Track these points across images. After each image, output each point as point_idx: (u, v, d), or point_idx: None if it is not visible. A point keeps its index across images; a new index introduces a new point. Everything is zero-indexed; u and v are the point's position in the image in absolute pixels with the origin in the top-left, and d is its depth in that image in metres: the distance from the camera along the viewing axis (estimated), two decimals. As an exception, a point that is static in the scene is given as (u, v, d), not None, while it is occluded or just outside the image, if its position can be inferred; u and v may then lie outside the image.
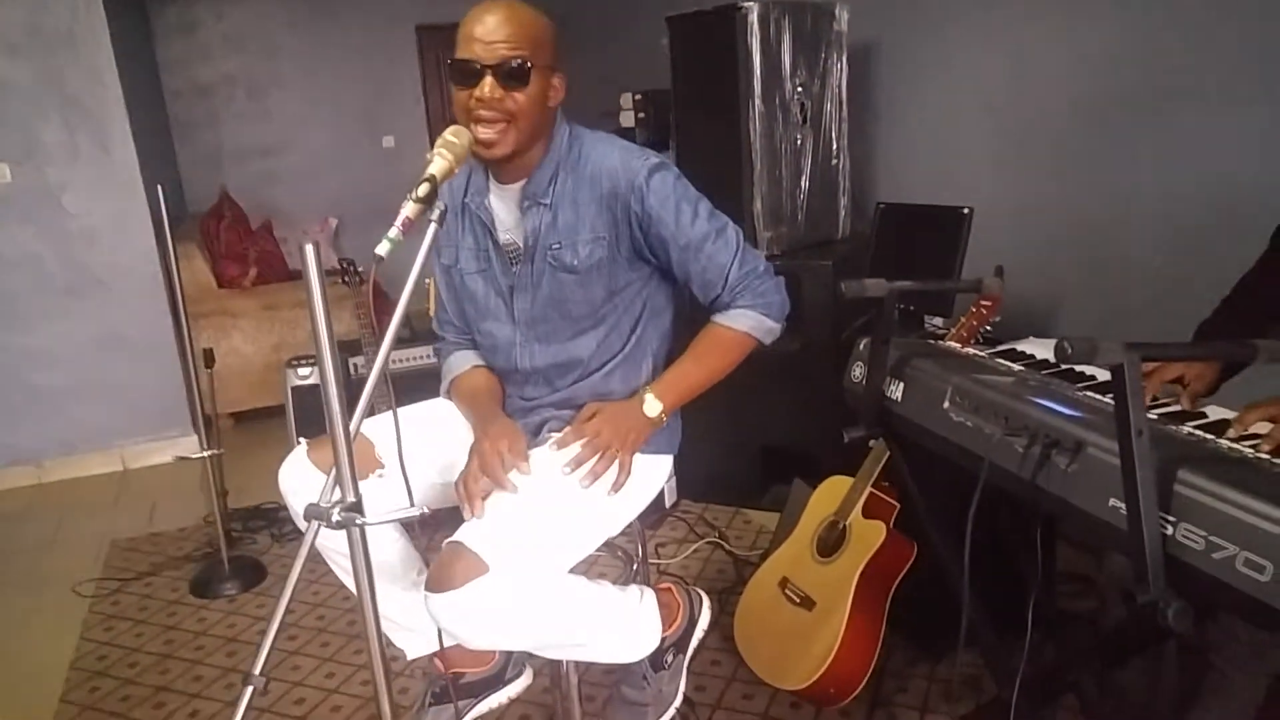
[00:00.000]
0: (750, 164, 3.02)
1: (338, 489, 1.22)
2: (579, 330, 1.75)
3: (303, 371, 3.72)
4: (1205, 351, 1.44)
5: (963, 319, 2.10)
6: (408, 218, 1.36)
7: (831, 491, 2.18)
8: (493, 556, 1.44)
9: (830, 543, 2.09)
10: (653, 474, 1.79)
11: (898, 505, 2.06)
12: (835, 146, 3.25)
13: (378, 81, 6.89)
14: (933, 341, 1.85)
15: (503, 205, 1.75)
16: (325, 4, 6.71)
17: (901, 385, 1.65)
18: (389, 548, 1.80)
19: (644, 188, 1.64)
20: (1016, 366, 1.62)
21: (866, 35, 3.30)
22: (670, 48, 3.25)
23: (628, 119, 4.05)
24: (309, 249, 1.18)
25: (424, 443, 1.76)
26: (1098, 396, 1.38)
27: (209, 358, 3.00)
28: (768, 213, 3.07)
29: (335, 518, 1.18)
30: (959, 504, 1.74)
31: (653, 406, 1.70)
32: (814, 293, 3.00)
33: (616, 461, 1.66)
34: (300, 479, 1.70)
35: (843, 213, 3.33)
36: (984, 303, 2.08)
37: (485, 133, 1.58)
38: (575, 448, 1.65)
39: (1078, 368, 1.59)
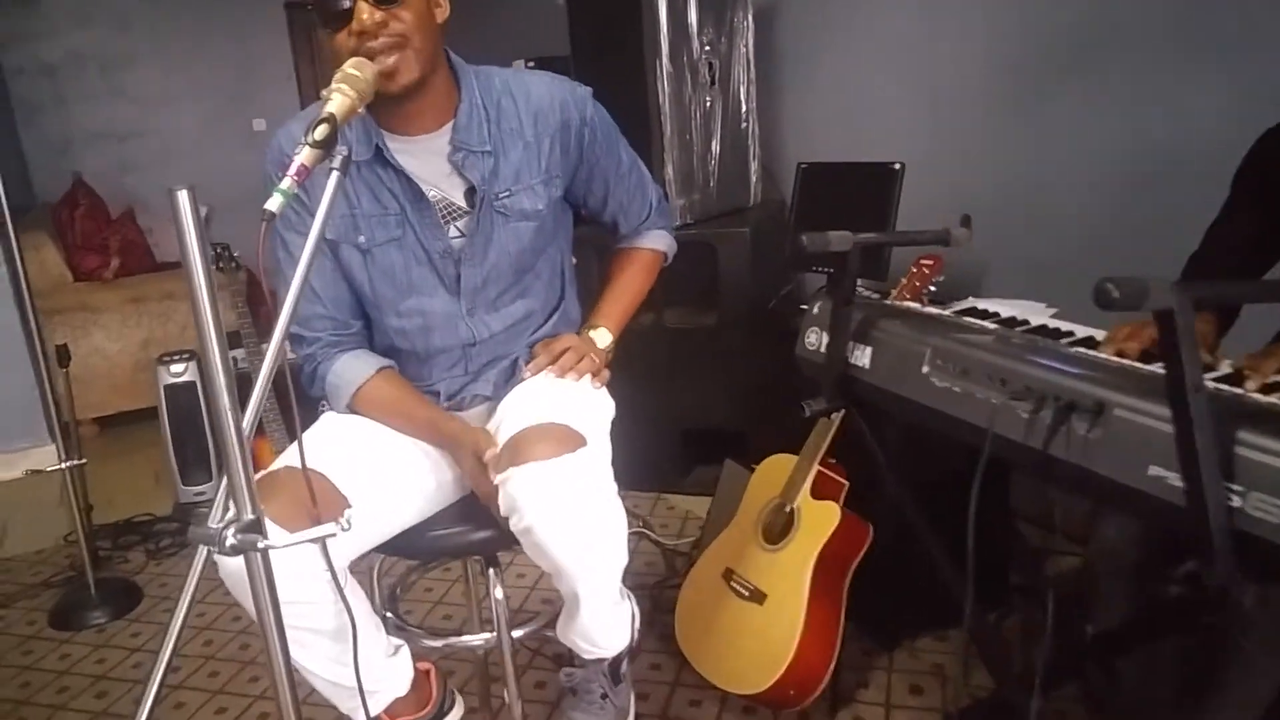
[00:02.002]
0: (660, 129, 2.83)
1: (231, 504, 0.98)
2: (525, 286, 1.62)
3: (176, 368, 3.37)
4: (1262, 292, 1.30)
5: (904, 280, 1.97)
6: (303, 164, 1.14)
7: (772, 472, 2.02)
8: (586, 428, 1.42)
9: (778, 528, 1.93)
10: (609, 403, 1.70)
11: (847, 483, 1.92)
12: (745, 109, 3.10)
13: (245, 61, 6.42)
14: (887, 302, 1.70)
15: (417, 161, 1.51)
16: (182, -27, 6.20)
17: (869, 350, 1.49)
18: (354, 602, 1.42)
19: (595, 117, 1.58)
20: (990, 325, 1.48)
21: (771, -4, 3.16)
22: (567, 8, 3.04)
23: (522, 87, 3.82)
24: (181, 194, 0.93)
25: (371, 450, 1.53)
26: (1097, 355, 1.25)
27: (63, 356, 2.64)
28: (679, 180, 2.89)
29: (230, 541, 0.92)
30: (932, 477, 1.63)
31: (603, 338, 1.69)
32: (731, 263, 2.85)
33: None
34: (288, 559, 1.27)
35: (754, 178, 3.18)
36: (925, 262, 1.96)
37: (383, 62, 1.37)
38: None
39: (1054, 324, 1.47)
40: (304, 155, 1.14)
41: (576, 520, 1.36)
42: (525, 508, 1.33)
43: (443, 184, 1.52)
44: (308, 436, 1.55)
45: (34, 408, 3.80)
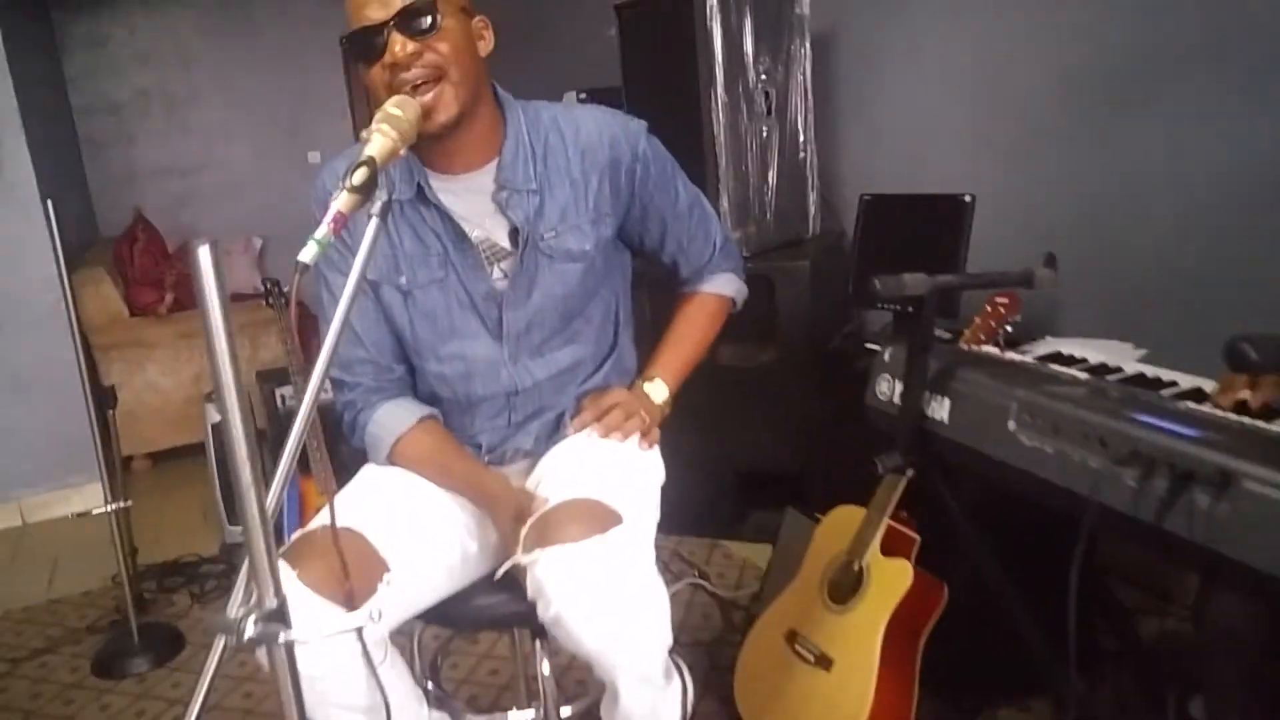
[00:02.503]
0: (715, 159, 2.74)
1: (254, 588, 0.89)
2: (574, 331, 1.52)
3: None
4: None
5: (977, 320, 1.85)
6: (340, 212, 1.07)
7: (838, 525, 1.89)
8: (625, 505, 1.31)
9: (845, 587, 1.80)
10: (659, 463, 1.59)
11: (918, 538, 1.78)
12: (802, 138, 2.99)
13: (301, 94, 6.49)
14: (966, 348, 1.57)
15: (460, 200, 1.44)
16: (243, 15, 6.30)
17: (947, 403, 1.37)
18: (391, 677, 1.35)
19: (648, 153, 1.49)
20: (1080, 374, 1.35)
21: (829, 19, 3.05)
22: (619, 39, 2.98)
23: (574, 118, 3.76)
24: (203, 250, 0.85)
25: (411, 511, 1.45)
26: (1213, 411, 1.11)
27: (110, 397, 2.61)
28: (735, 211, 2.79)
29: (249, 633, 0.82)
30: (1013, 531, 1.49)
31: (658, 392, 1.58)
32: (789, 298, 2.73)
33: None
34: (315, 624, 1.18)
35: (812, 209, 3.07)
36: (1000, 300, 1.84)
37: (419, 97, 1.30)
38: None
39: (1150, 371, 1.33)
40: (341, 201, 1.07)
41: (610, 608, 1.25)
42: (553, 595, 1.22)
43: (486, 224, 1.45)
44: (346, 493, 1.48)
45: (87, 446, 3.80)
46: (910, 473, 1.51)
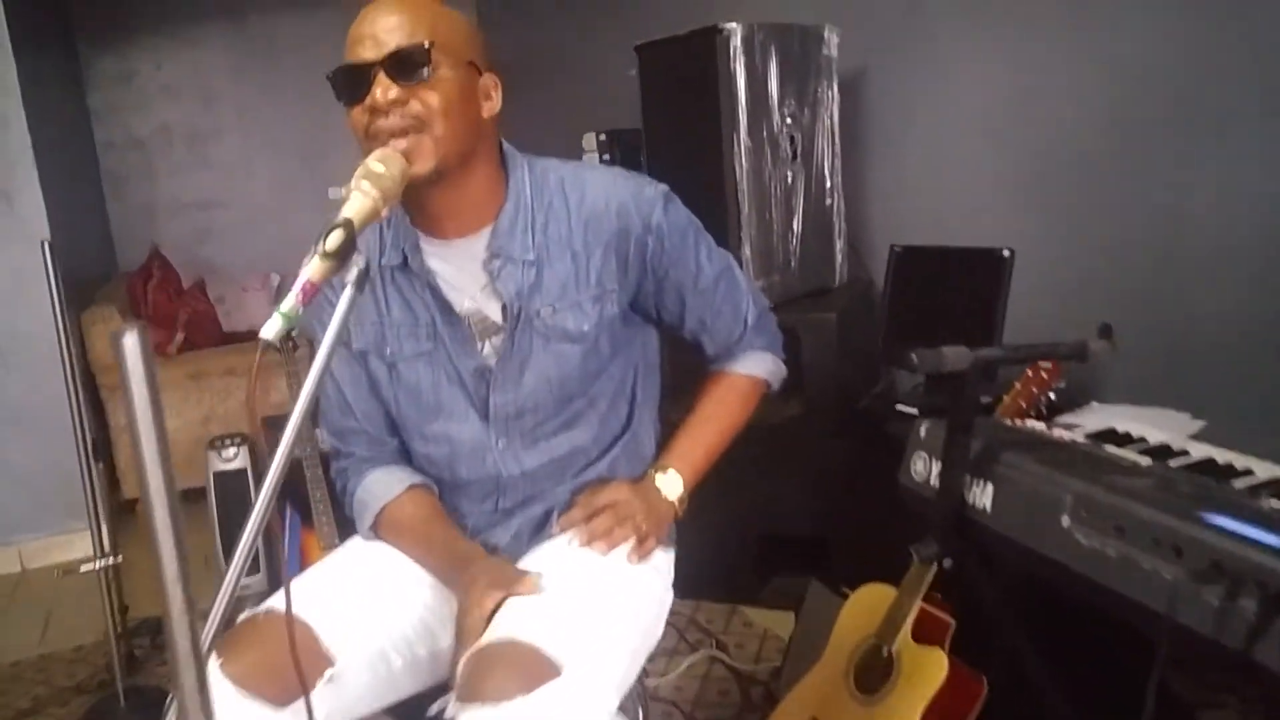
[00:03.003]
0: (737, 206, 2.63)
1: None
2: (574, 414, 1.37)
3: (227, 453, 3.23)
4: None
5: (1017, 385, 1.72)
6: (310, 281, 0.96)
7: (866, 604, 1.74)
8: (565, 654, 1.09)
9: (874, 674, 1.65)
10: (662, 574, 1.42)
11: (953, 622, 1.63)
12: (829, 184, 2.87)
13: (322, 130, 6.44)
14: (1010, 423, 1.44)
15: (450, 266, 1.32)
16: (268, 50, 6.30)
17: (990, 488, 1.23)
18: None
19: (663, 224, 1.33)
20: (1143, 460, 1.21)
21: (857, 59, 2.94)
22: (640, 79, 2.88)
23: (592, 161, 3.67)
24: (129, 338, 0.73)
25: (367, 604, 1.31)
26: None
27: (98, 448, 2.51)
28: (759, 259, 2.67)
29: None
30: (1058, 619, 1.35)
31: (672, 486, 1.40)
32: (816, 352, 2.60)
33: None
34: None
35: (839, 257, 2.94)
36: (1041, 365, 1.71)
37: (394, 146, 1.18)
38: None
39: (1222, 457, 1.19)
40: (312, 269, 0.96)
41: None
42: None
43: (478, 295, 1.33)
44: (305, 576, 1.37)
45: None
46: (948, 563, 1.37)
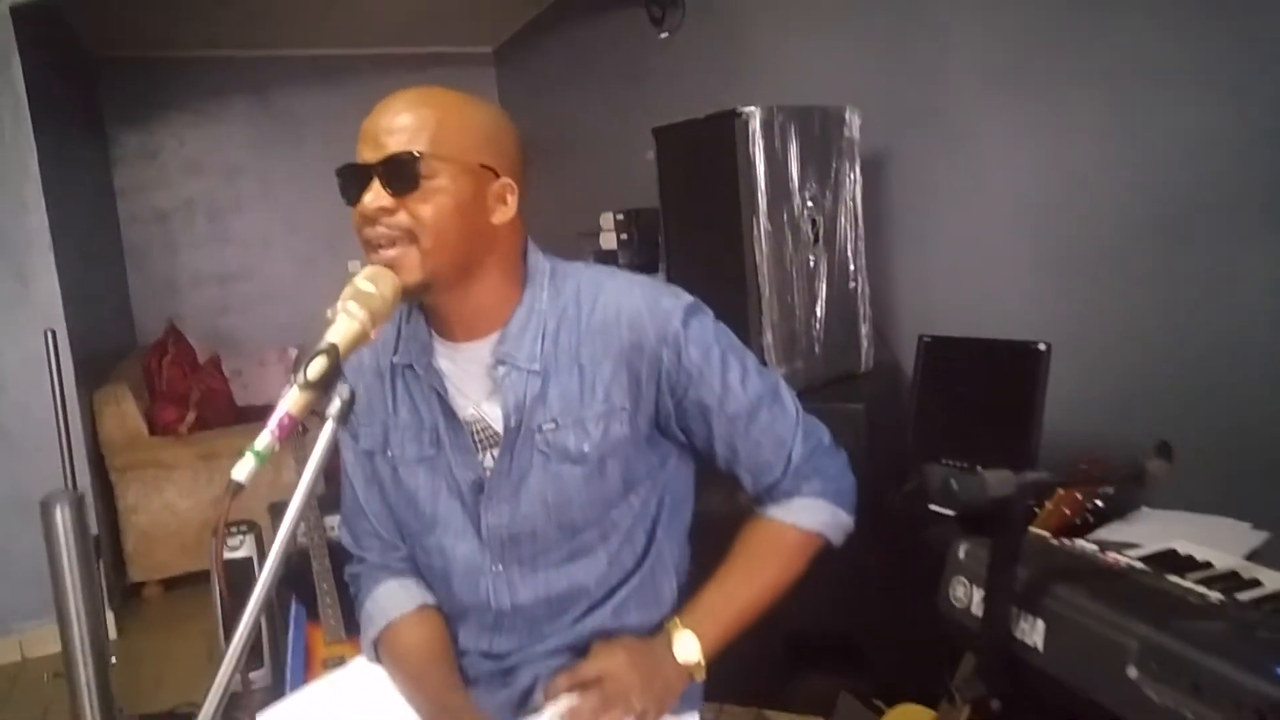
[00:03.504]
0: (758, 290, 2.55)
1: None
2: (580, 546, 1.24)
3: (232, 542, 3.14)
4: None
5: (1060, 491, 1.60)
6: (288, 415, 0.88)
7: (900, 730, 1.62)
8: None
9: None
10: None
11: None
12: (852, 267, 2.79)
13: (342, 205, 6.41)
14: (1058, 543, 1.32)
15: (459, 370, 1.24)
16: (289, 126, 6.38)
17: (1041, 625, 1.12)
18: None
19: (680, 338, 1.20)
20: (1212, 595, 1.09)
21: (880, 140, 2.88)
22: (658, 162, 2.84)
23: (609, 240, 3.62)
24: (59, 507, 0.65)
25: None
26: None
27: (96, 546, 2.43)
28: (780, 346, 2.58)
29: None
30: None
31: (688, 648, 1.21)
32: (843, 443, 2.47)
33: None
34: None
35: (865, 343, 2.85)
36: (1085, 468, 1.60)
37: (379, 256, 1.12)
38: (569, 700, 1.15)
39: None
40: (292, 400, 0.88)
41: None
42: None
43: (483, 403, 1.24)
44: (315, 691, 1.27)
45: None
46: (996, 704, 1.25)
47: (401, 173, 1.10)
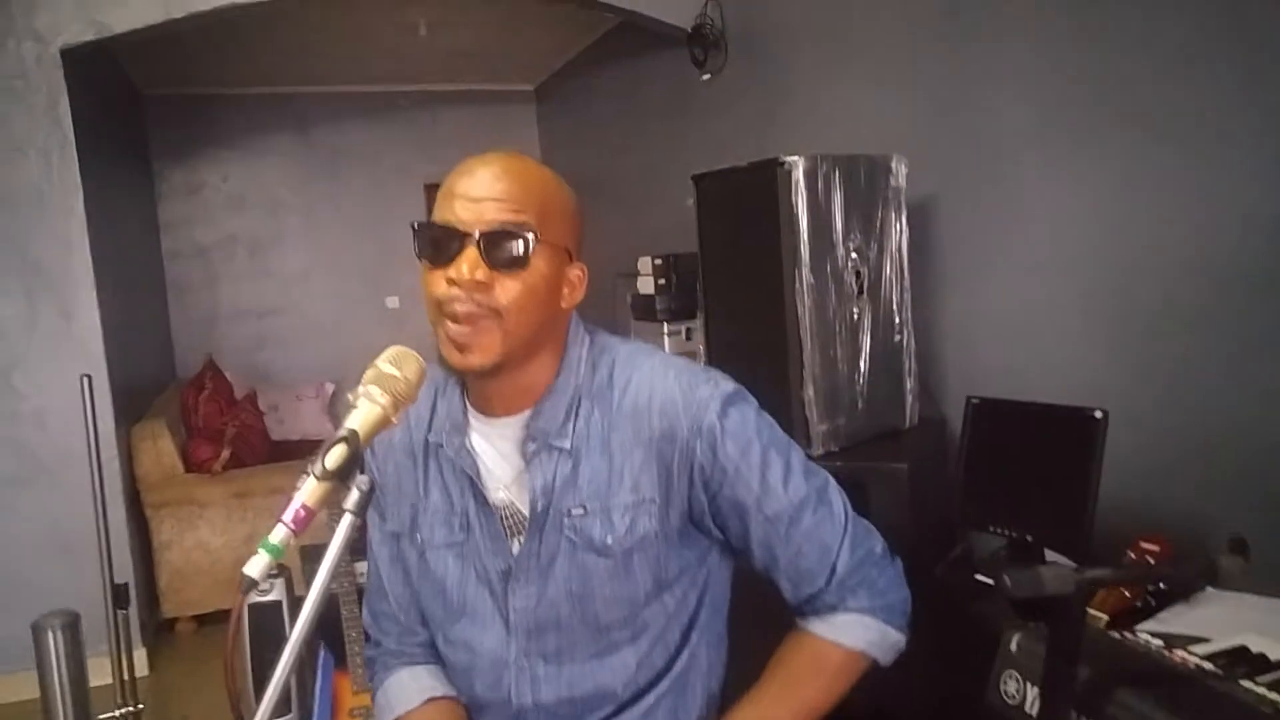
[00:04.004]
0: (799, 346, 2.49)
1: None
2: (608, 645, 1.16)
3: (263, 585, 3.10)
4: None
5: (1115, 571, 1.51)
6: (305, 506, 0.83)
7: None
8: None
9: None
10: None
11: None
12: (898, 320, 2.72)
13: (383, 240, 6.55)
14: (1120, 637, 1.24)
15: (493, 448, 1.18)
16: (331, 162, 6.45)
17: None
18: None
19: (716, 429, 1.11)
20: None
21: (926, 189, 2.82)
22: (697, 209, 2.80)
23: (646, 285, 3.59)
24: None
25: None
26: None
27: (121, 596, 2.40)
28: (822, 402, 2.51)
29: None
30: None
31: None
32: (886, 504, 2.40)
33: None
34: None
35: (909, 397, 2.77)
36: (1147, 546, 1.52)
37: (459, 331, 1.05)
38: None
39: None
40: (309, 491, 0.83)
41: None
42: None
43: (513, 485, 1.17)
44: None
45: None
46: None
47: (510, 248, 1.04)
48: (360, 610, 2.88)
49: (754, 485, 1.13)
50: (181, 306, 6.14)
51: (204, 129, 6.10)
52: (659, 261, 3.50)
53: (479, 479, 1.17)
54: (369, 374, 0.96)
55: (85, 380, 2.38)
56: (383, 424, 0.94)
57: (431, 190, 6.65)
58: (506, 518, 1.18)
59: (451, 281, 1.05)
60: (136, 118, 5.72)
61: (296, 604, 3.13)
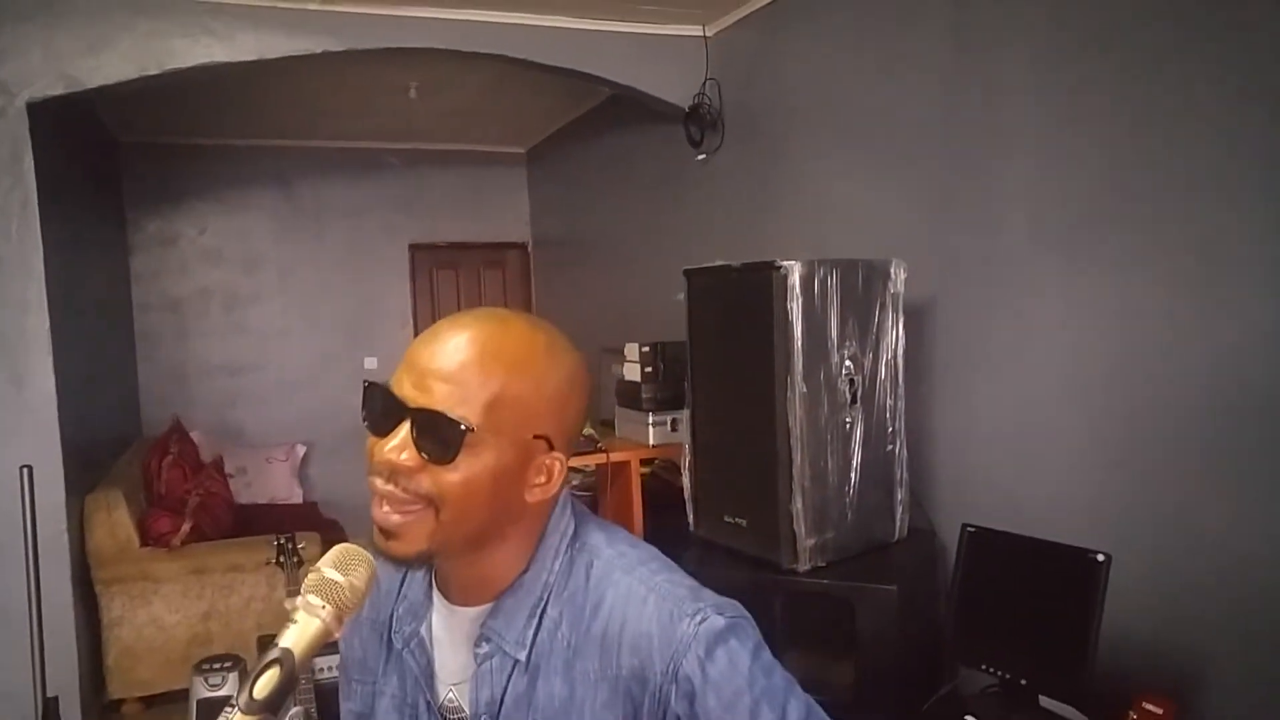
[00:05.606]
0: (789, 455, 2.39)
1: None
2: None
3: (214, 680, 2.95)
4: None
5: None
6: None
7: None
8: None
9: None
10: None
11: None
12: (890, 429, 2.63)
13: (363, 300, 6.42)
14: None
15: (450, 638, 1.04)
16: (314, 217, 6.33)
17: None
18: None
19: (695, 678, 0.92)
20: None
21: (924, 292, 2.74)
22: (688, 304, 2.71)
23: (632, 372, 3.47)
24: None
25: None
26: None
27: (50, 710, 2.23)
28: (811, 516, 2.41)
29: None
30: None
31: None
32: (873, 625, 2.31)
33: None
34: None
35: (899, 509, 2.66)
36: (1151, 709, 1.42)
37: (382, 515, 0.92)
38: None
39: None
40: None
41: None
42: None
43: (461, 686, 1.03)
44: None
45: (72, 695, 3.42)
46: None
47: (440, 437, 0.90)
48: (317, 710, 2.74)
49: None
50: (151, 361, 5.96)
51: (182, 179, 5.97)
52: (646, 349, 3.39)
53: (426, 675, 1.04)
54: (310, 578, 0.84)
55: (24, 472, 2.23)
56: (324, 636, 0.82)
57: (416, 250, 6.57)
58: (451, 718, 1.04)
59: (378, 462, 0.92)
60: (110, 166, 5.58)
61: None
